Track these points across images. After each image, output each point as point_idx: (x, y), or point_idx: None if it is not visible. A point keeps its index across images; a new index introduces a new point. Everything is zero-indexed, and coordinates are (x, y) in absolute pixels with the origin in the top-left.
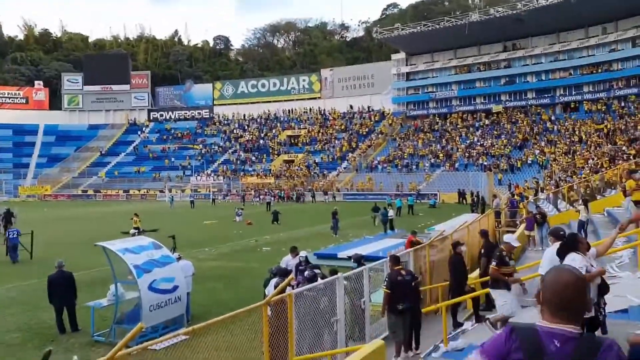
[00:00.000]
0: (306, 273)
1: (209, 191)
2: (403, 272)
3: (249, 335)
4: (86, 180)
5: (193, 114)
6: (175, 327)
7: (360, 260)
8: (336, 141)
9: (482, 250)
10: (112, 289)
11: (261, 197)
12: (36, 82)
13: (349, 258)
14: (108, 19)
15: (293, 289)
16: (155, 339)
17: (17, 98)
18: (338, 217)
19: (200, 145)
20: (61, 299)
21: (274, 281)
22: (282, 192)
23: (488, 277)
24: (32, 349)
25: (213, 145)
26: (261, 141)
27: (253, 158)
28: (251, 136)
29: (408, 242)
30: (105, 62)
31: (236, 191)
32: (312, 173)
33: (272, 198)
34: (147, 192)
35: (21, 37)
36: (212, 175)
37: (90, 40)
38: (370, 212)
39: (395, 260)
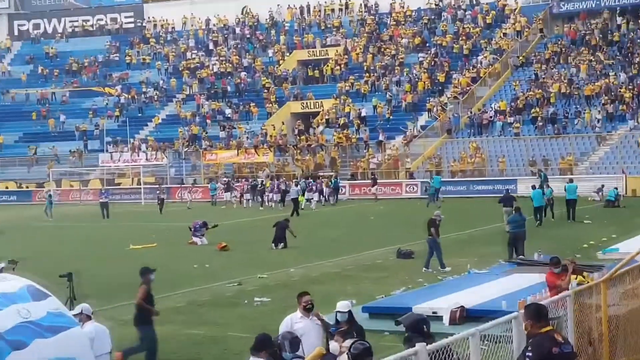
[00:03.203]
0: (352, 347)
1: (140, 184)
2: (558, 338)
3: None
4: None
5: (101, 23)
6: None
7: (422, 327)
8: (404, 70)
9: None
10: None
11: (277, 188)
12: None
13: (397, 322)
14: None
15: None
16: None
17: None
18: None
19: (119, 88)
20: None
21: None
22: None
23: None
24: None
25: (144, 86)
26: (243, 74)
27: (228, 111)
28: (223, 65)
29: (549, 279)
30: None
31: (194, 180)
32: (356, 140)
33: (301, 192)
34: (20, 185)
35: None
36: (144, 149)
37: None
38: (500, 206)
39: (538, 314)
